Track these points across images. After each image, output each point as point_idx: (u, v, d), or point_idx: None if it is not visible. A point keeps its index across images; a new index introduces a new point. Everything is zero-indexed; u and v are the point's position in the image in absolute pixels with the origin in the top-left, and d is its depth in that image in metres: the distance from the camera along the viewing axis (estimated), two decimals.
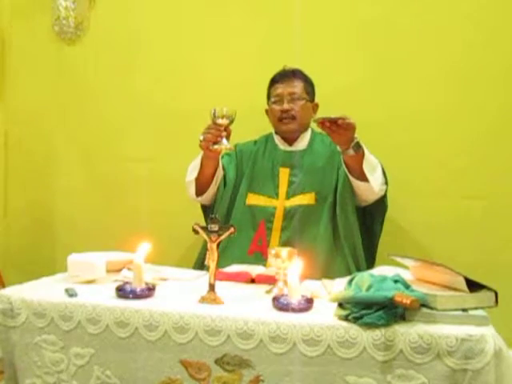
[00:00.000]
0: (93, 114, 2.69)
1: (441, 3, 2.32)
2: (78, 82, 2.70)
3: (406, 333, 1.20)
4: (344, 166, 1.94)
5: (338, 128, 1.75)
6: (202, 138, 1.84)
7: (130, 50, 2.63)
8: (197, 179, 2.04)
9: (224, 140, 1.81)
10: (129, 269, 1.63)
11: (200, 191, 2.08)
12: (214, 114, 1.79)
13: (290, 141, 2.15)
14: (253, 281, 1.66)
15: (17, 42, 2.77)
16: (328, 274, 1.77)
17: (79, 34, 2.68)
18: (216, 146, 1.82)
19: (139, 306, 1.35)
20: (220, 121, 1.79)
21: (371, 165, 1.90)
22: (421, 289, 1.29)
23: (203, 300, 1.39)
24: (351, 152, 1.82)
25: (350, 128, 1.76)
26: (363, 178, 1.89)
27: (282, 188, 2.06)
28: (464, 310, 1.26)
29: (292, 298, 1.33)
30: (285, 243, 1.90)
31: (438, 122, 2.33)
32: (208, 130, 1.83)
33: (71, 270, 1.59)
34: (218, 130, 1.80)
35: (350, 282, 1.35)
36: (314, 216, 2.00)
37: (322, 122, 1.75)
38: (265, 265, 1.72)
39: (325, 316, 1.28)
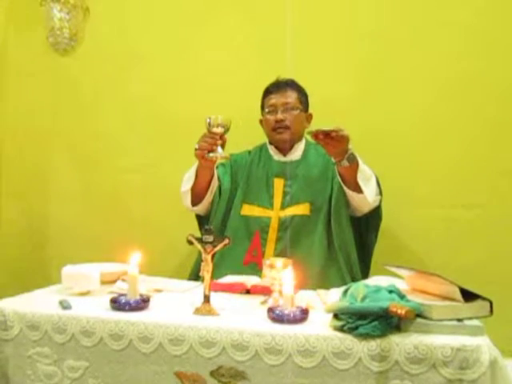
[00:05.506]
0: (88, 124, 2.70)
1: (433, 13, 2.35)
2: (73, 93, 2.71)
3: (402, 343, 1.20)
4: (338, 176, 1.95)
5: (332, 140, 1.75)
6: (197, 146, 1.85)
7: (125, 60, 2.64)
8: (192, 189, 2.04)
9: (219, 148, 1.81)
10: (123, 280, 1.62)
11: (195, 201, 2.08)
12: (209, 122, 1.80)
13: (284, 151, 2.16)
14: (248, 292, 1.66)
15: (11, 53, 2.77)
16: (323, 284, 1.77)
17: (74, 45, 2.69)
18: (211, 155, 1.82)
19: (134, 318, 1.34)
20: (215, 129, 1.80)
21: (365, 176, 1.90)
22: (416, 299, 1.29)
23: (198, 311, 1.38)
24: (345, 163, 1.83)
25: (343, 140, 1.77)
26: (357, 188, 1.90)
27: (277, 198, 2.06)
28: (459, 319, 1.26)
29: (287, 308, 1.32)
30: (280, 254, 1.90)
31: (431, 131, 2.35)
32: (203, 138, 1.83)
33: (65, 281, 1.59)
34: (213, 139, 1.81)
35: (345, 292, 1.35)
36: (308, 226, 2.00)
37: (315, 135, 1.75)
38: (260, 275, 1.72)
39: (320, 327, 1.28)
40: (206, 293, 1.40)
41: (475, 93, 2.31)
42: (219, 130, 1.80)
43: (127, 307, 1.39)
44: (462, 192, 2.30)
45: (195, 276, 1.97)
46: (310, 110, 2.19)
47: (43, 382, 1.38)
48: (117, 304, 1.40)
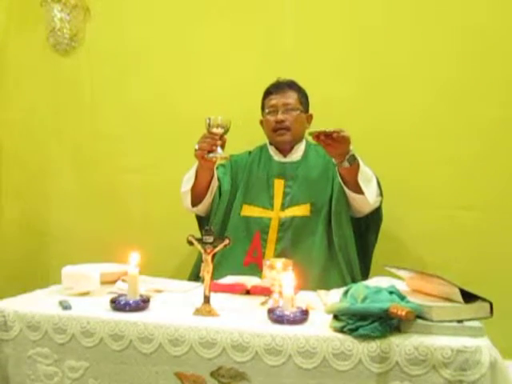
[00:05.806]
0: (88, 124, 2.70)
1: (433, 13, 2.34)
2: (73, 94, 2.71)
3: (402, 344, 1.20)
4: (339, 177, 1.95)
5: (333, 141, 1.75)
6: (197, 147, 1.85)
7: (125, 61, 2.64)
8: (192, 190, 2.04)
9: (219, 149, 1.82)
10: (123, 280, 1.62)
11: (195, 202, 2.08)
12: (209, 123, 1.80)
13: (284, 152, 2.15)
14: (248, 292, 1.66)
15: (12, 53, 2.77)
16: (323, 285, 1.77)
17: (74, 46, 2.69)
18: (211, 155, 1.82)
19: (134, 318, 1.34)
20: (215, 130, 1.80)
21: (366, 177, 1.90)
22: (416, 300, 1.29)
23: (198, 312, 1.38)
24: (346, 164, 1.83)
25: (344, 141, 1.77)
26: (358, 189, 1.90)
27: (277, 199, 2.06)
28: (459, 321, 1.26)
29: (287, 309, 1.32)
30: (280, 254, 1.90)
31: (431, 131, 2.34)
32: (203, 139, 1.84)
33: (65, 282, 1.59)
34: (212, 139, 1.81)
35: (346, 293, 1.35)
36: (309, 227, 2.00)
37: (316, 135, 1.75)
38: (260, 276, 1.72)
39: (320, 328, 1.28)
40: (206, 293, 1.40)
41: (475, 93, 2.30)
42: (219, 130, 1.80)
43: (127, 307, 1.39)
44: (463, 193, 2.30)
45: (195, 276, 1.97)
46: (311, 111, 2.18)
47: (43, 383, 1.38)
48: (117, 304, 1.40)
